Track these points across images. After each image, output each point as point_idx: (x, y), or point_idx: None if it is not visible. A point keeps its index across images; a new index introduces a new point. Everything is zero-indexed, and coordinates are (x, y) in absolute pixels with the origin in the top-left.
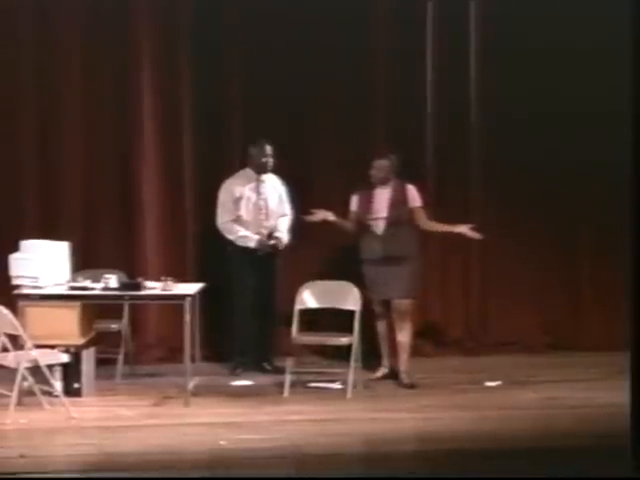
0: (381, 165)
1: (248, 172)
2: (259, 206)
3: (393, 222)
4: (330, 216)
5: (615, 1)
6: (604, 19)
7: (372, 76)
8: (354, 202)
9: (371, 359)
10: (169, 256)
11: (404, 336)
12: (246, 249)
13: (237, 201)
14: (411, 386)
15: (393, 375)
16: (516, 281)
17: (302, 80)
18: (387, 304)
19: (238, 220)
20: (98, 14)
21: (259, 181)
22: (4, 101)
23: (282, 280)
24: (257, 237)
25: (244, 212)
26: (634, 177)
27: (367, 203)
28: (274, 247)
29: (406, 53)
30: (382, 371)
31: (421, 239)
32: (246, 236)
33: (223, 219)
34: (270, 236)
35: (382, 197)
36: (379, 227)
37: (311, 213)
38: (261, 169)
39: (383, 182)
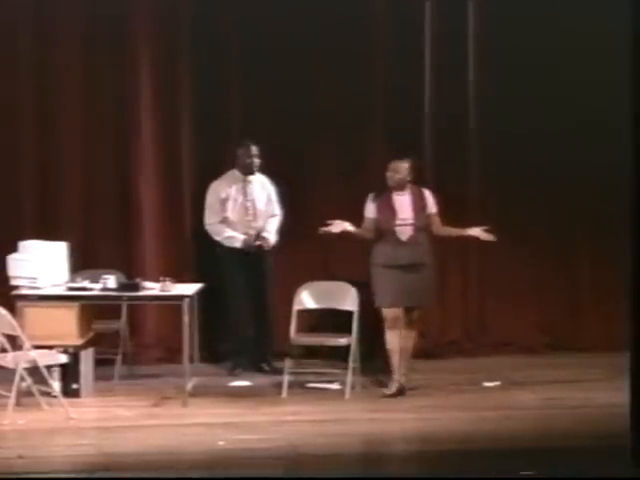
0: (399, 167)
1: (235, 173)
2: (246, 207)
3: (420, 229)
4: (348, 226)
5: (615, 1)
6: (604, 19)
7: (370, 76)
8: (371, 209)
9: (369, 360)
10: (167, 257)
11: (409, 343)
12: (234, 249)
13: (223, 202)
14: (411, 389)
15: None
16: (514, 281)
17: (300, 81)
18: (404, 311)
19: (225, 221)
20: (97, 17)
21: (245, 182)
22: (3, 103)
23: (280, 280)
24: (242, 237)
25: (231, 213)
26: (633, 177)
27: (388, 209)
28: (260, 247)
29: (404, 53)
30: (395, 386)
31: (435, 245)
32: (232, 236)
33: (210, 220)
34: (258, 236)
35: (403, 202)
36: (405, 233)
37: (327, 224)
38: (247, 170)
39: (400, 186)
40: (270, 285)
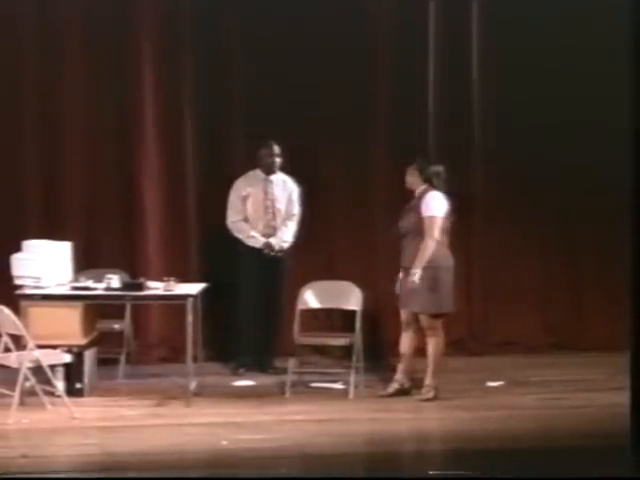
0: (408, 171)
1: (257, 172)
2: (266, 205)
3: (406, 231)
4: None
5: (616, 2)
6: (606, 20)
7: (374, 76)
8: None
9: (372, 359)
10: (171, 256)
11: (429, 349)
12: (254, 249)
13: (244, 200)
14: (426, 400)
15: (405, 392)
16: (519, 281)
17: (303, 82)
18: (414, 315)
19: (246, 219)
20: (100, 20)
21: (267, 181)
22: (8, 103)
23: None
24: (264, 239)
25: (251, 211)
26: (635, 177)
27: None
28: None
29: (408, 53)
30: (393, 387)
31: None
32: (254, 236)
33: (232, 218)
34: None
35: (409, 205)
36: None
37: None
38: (269, 169)
39: (412, 189)
40: (284, 287)
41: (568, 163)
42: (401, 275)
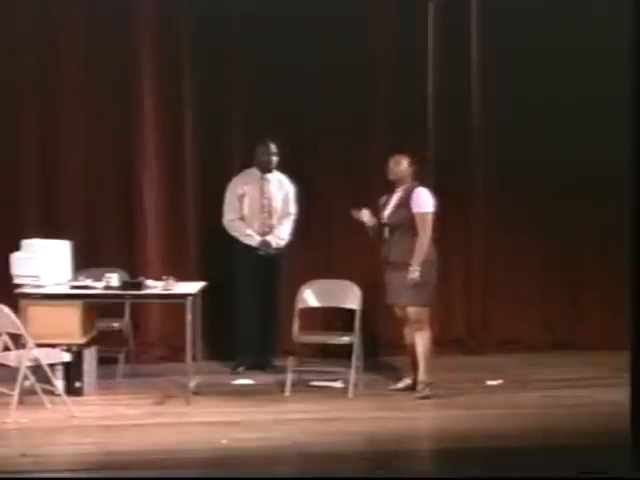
0: (395, 160)
1: (254, 171)
2: (262, 204)
3: (394, 226)
4: (370, 221)
5: (617, 0)
6: (606, 18)
7: (373, 76)
8: (379, 205)
9: (372, 358)
10: (170, 255)
11: (418, 345)
12: (250, 248)
13: (241, 199)
14: (423, 398)
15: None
16: (518, 280)
17: (302, 81)
18: (404, 309)
19: (242, 218)
20: (99, 19)
21: (263, 180)
22: (6, 102)
23: (283, 279)
24: (260, 238)
25: (247, 210)
26: (635, 176)
27: (384, 206)
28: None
29: (407, 53)
30: (404, 382)
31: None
32: (250, 235)
33: (228, 217)
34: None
35: (394, 200)
36: (386, 231)
37: (357, 209)
38: (265, 167)
39: (397, 182)
40: (280, 286)
41: (568, 162)
42: (388, 270)
